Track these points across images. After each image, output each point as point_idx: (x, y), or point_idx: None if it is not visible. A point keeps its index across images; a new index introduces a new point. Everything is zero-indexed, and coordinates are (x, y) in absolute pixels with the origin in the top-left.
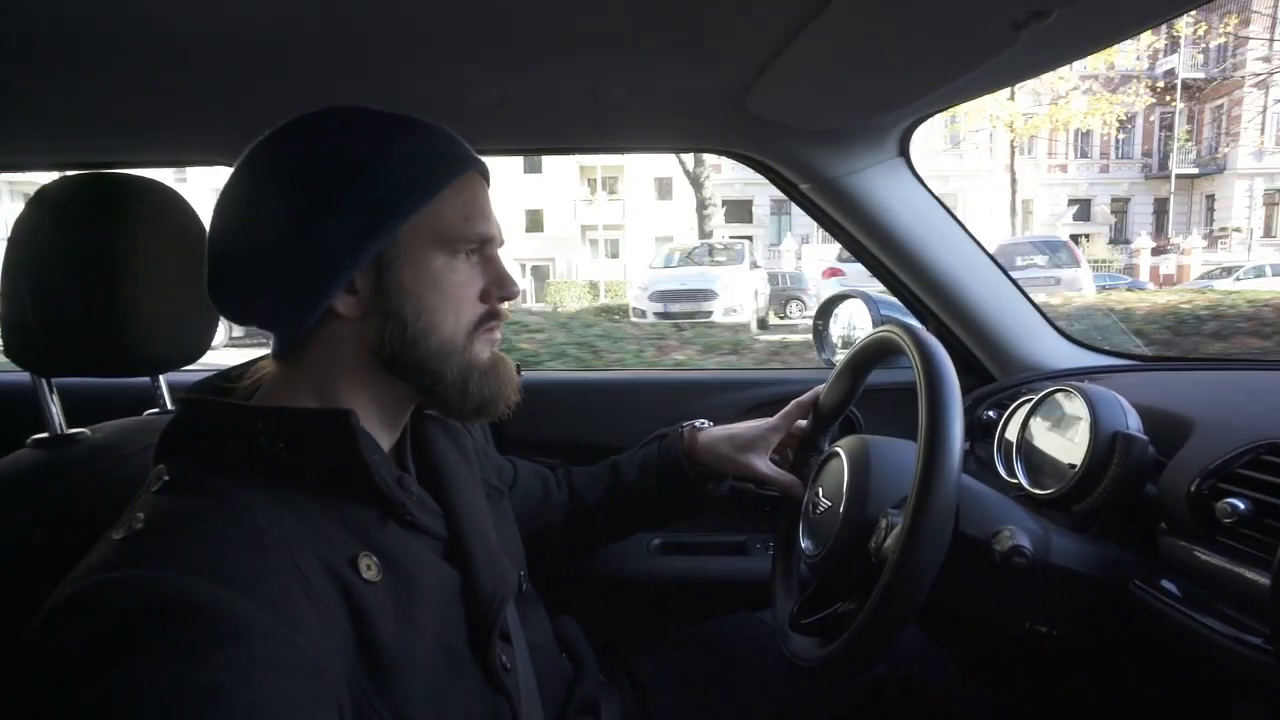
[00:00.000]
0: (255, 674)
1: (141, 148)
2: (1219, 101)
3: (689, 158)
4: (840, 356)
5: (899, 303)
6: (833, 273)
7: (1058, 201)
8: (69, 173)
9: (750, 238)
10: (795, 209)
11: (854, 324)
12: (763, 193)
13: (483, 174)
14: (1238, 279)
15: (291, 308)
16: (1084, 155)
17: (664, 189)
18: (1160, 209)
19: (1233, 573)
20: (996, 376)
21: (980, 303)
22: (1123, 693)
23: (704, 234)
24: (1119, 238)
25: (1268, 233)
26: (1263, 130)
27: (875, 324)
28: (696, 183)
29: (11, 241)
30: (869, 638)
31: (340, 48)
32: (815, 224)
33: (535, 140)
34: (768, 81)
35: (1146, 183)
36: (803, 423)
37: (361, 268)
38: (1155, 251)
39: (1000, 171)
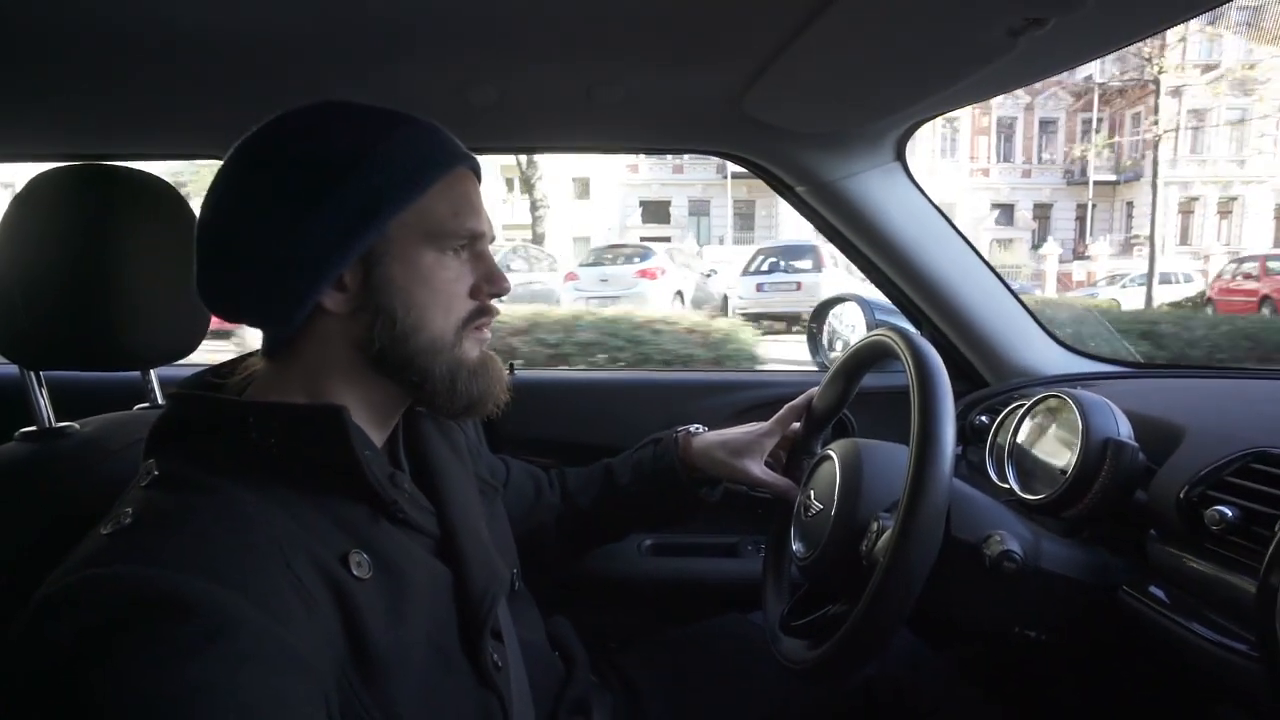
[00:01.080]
0: (244, 671)
1: (136, 141)
2: (1137, 109)
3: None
4: (834, 359)
5: (894, 306)
6: (570, 276)
7: (980, 206)
8: (60, 164)
9: (669, 238)
10: (714, 210)
11: (849, 327)
12: (681, 194)
13: (474, 170)
14: (1123, 286)
15: (280, 304)
16: (1006, 160)
17: (582, 189)
18: (1082, 215)
19: (1220, 579)
20: (990, 381)
21: (975, 308)
22: (1111, 698)
23: (537, 236)
24: (1039, 243)
25: (1184, 240)
26: (1176, 138)
27: (870, 327)
28: (528, 184)
29: (1, 231)
30: (859, 640)
31: (337, 44)
32: (732, 227)
33: (531, 140)
34: (765, 84)
35: (1069, 189)
36: (796, 425)
37: (350, 264)
38: (1076, 257)
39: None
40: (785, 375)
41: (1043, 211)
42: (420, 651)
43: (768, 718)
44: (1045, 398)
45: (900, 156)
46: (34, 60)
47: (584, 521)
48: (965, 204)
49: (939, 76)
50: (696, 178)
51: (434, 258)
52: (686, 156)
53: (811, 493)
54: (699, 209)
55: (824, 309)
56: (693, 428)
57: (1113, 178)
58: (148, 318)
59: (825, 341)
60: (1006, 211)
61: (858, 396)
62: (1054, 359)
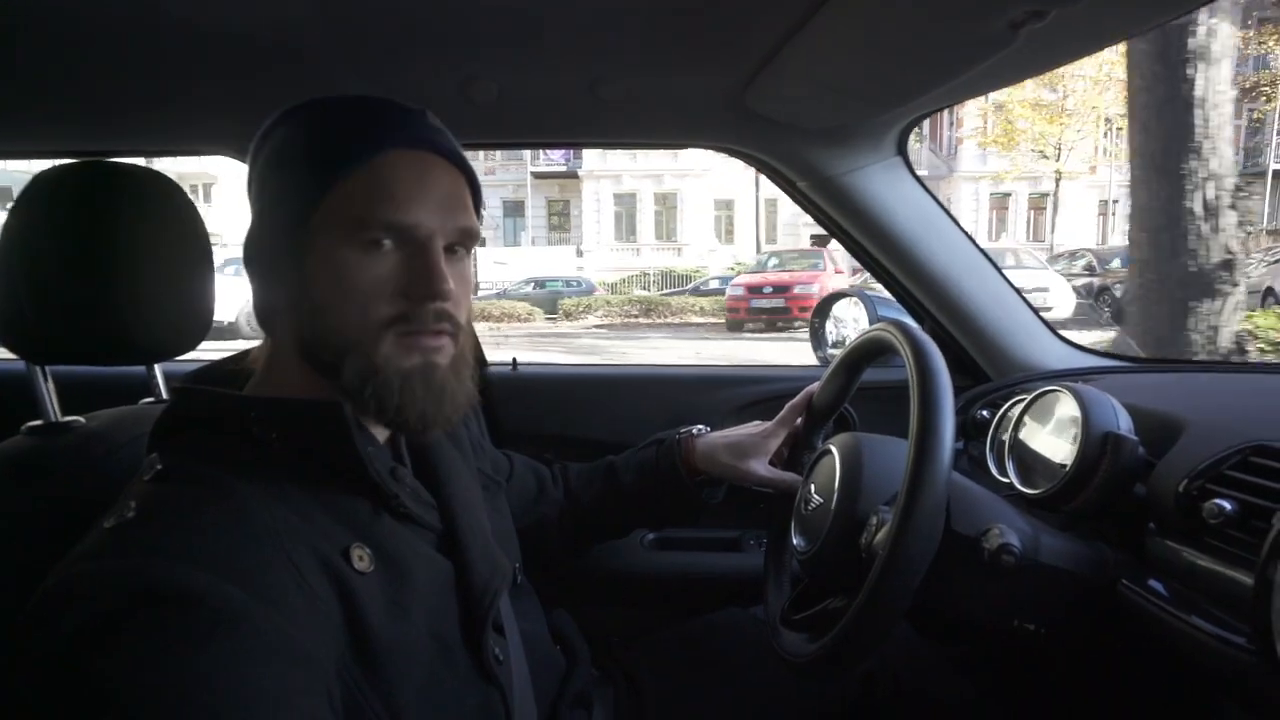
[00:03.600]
0: (246, 663)
1: (141, 137)
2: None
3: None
4: (835, 354)
5: (896, 301)
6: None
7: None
8: (66, 160)
9: (483, 240)
10: (530, 212)
11: (850, 322)
12: (494, 194)
13: (430, 151)
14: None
15: (261, 298)
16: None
17: None
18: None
19: (1218, 573)
20: (991, 376)
21: (976, 302)
22: (1109, 691)
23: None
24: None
25: (994, 236)
26: (985, 131)
27: (871, 322)
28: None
29: (6, 228)
30: (857, 634)
31: (340, 41)
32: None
33: (534, 135)
34: (767, 79)
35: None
36: (799, 422)
37: (283, 257)
38: None
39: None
40: (787, 370)
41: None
42: (422, 645)
43: (768, 711)
44: (1045, 392)
45: (902, 151)
46: (39, 55)
47: (586, 518)
48: (787, 201)
49: (940, 70)
50: (509, 178)
51: (350, 253)
52: (499, 157)
53: (812, 487)
54: (513, 210)
55: (826, 304)
56: (696, 429)
57: (924, 172)
58: (152, 313)
59: (827, 337)
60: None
61: (859, 391)
62: (1055, 353)
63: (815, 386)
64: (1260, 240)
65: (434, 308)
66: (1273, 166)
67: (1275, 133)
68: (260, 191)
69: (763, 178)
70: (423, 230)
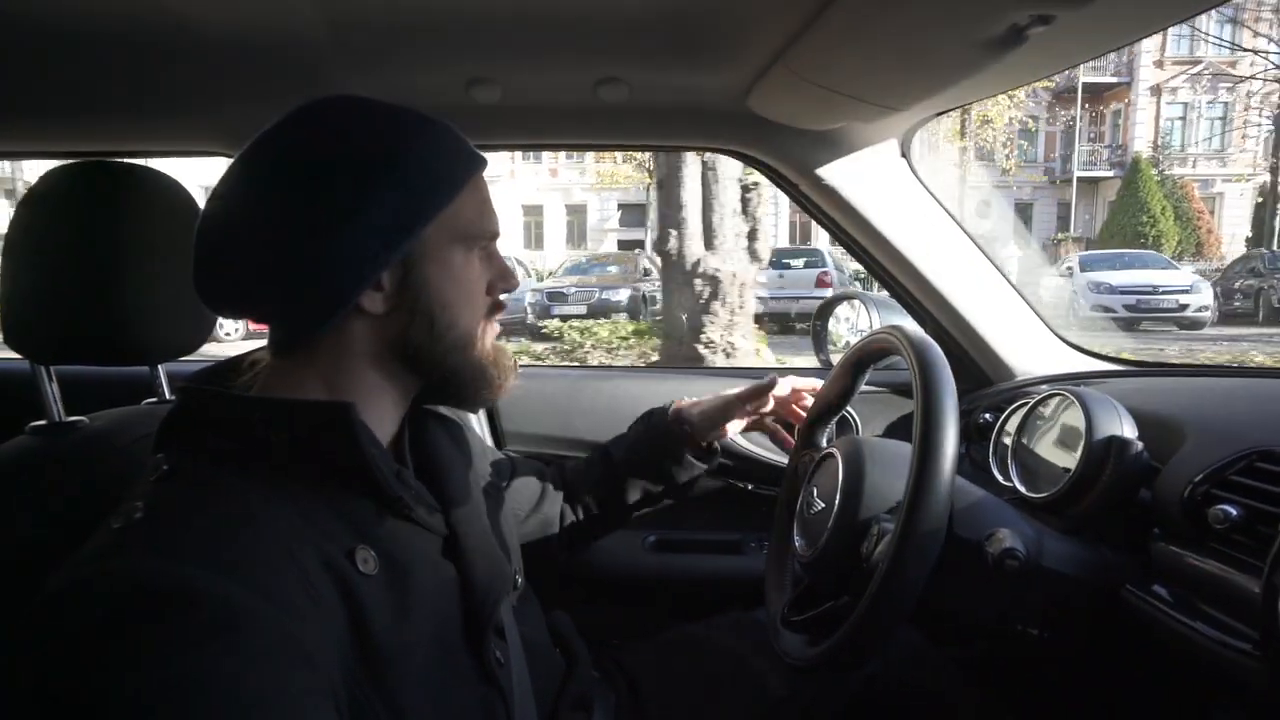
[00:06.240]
0: (251, 664)
1: (141, 137)
2: None
3: None
4: (838, 357)
5: (898, 304)
6: None
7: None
8: (70, 161)
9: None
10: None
11: (853, 325)
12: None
13: (484, 168)
14: None
15: (310, 304)
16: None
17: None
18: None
19: (1224, 578)
20: (994, 380)
21: (979, 306)
22: (1113, 696)
23: None
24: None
25: (792, 239)
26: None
27: (873, 325)
28: None
29: (12, 228)
30: (859, 637)
31: (345, 42)
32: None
33: (537, 136)
34: (770, 81)
35: None
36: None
37: (391, 266)
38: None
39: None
40: (790, 373)
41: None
42: (424, 647)
43: (769, 714)
44: (1049, 396)
45: (905, 154)
46: (44, 56)
47: (584, 507)
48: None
49: (944, 73)
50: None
51: (463, 258)
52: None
53: (814, 490)
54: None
55: (828, 307)
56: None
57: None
58: (156, 313)
59: (829, 339)
60: (638, 211)
61: (862, 394)
62: (1058, 357)
63: (784, 381)
64: (1069, 248)
65: (505, 298)
66: (1077, 174)
67: (1077, 141)
68: (321, 197)
69: (563, 180)
70: (499, 235)
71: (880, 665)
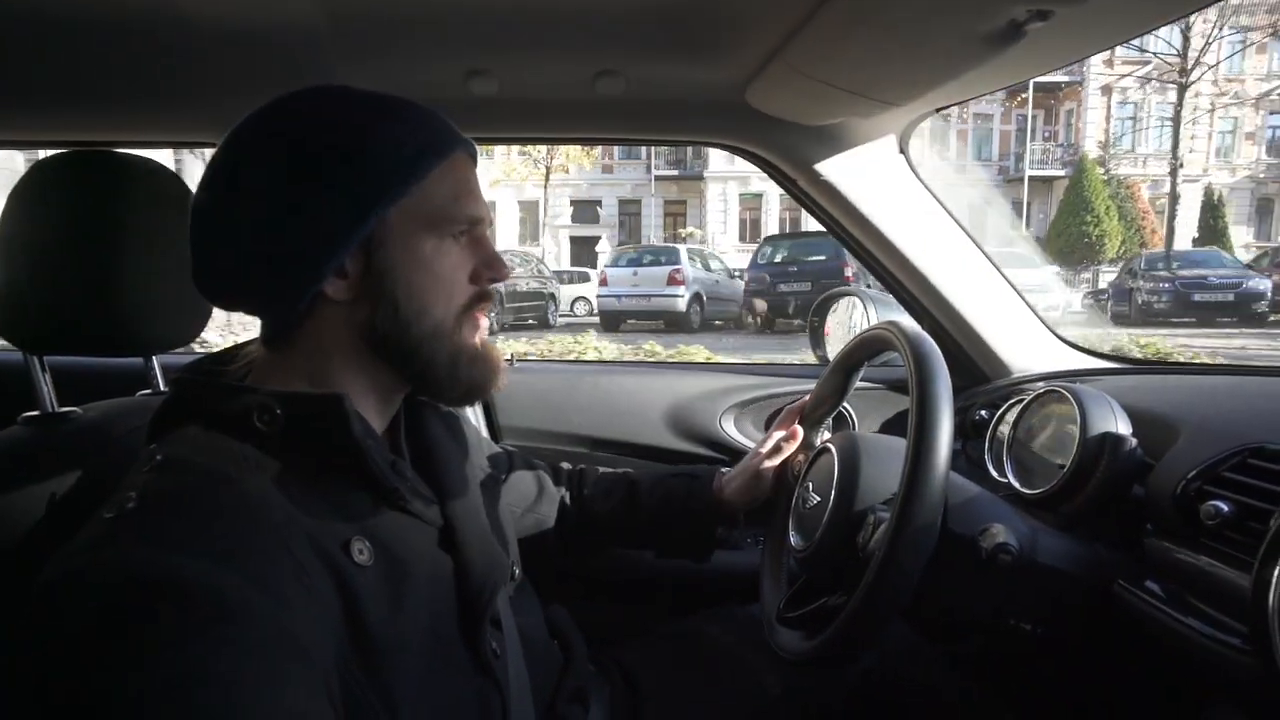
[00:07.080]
0: (245, 655)
1: (135, 127)
2: None
3: None
4: (835, 353)
5: (895, 301)
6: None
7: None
8: (64, 150)
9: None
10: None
11: (850, 322)
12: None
13: (471, 154)
14: None
15: (280, 292)
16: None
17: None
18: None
19: (1215, 574)
20: (990, 376)
21: (976, 303)
22: (1105, 691)
23: None
24: (631, 238)
25: (742, 237)
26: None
27: (870, 322)
28: None
29: (6, 217)
30: (853, 631)
31: (340, 32)
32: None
33: (534, 130)
34: (768, 76)
35: (656, 183)
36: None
37: (351, 251)
38: None
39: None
40: (785, 368)
41: (632, 208)
42: (419, 639)
43: (765, 709)
44: (1044, 393)
45: (904, 149)
46: (37, 45)
47: (594, 526)
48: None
49: (942, 68)
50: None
51: (434, 244)
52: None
53: (810, 485)
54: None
55: (825, 304)
56: (722, 470)
57: (674, 172)
58: (150, 304)
59: (825, 336)
60: (590, 208)
61: (859, 390)
62: (1054, 354)
63: (805, 400)
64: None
65: (494, 288)
66: (1030, 173)
67: (1028, 140)
68: (286, 181)
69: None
70: (486, 219)
71: (876, 660)
